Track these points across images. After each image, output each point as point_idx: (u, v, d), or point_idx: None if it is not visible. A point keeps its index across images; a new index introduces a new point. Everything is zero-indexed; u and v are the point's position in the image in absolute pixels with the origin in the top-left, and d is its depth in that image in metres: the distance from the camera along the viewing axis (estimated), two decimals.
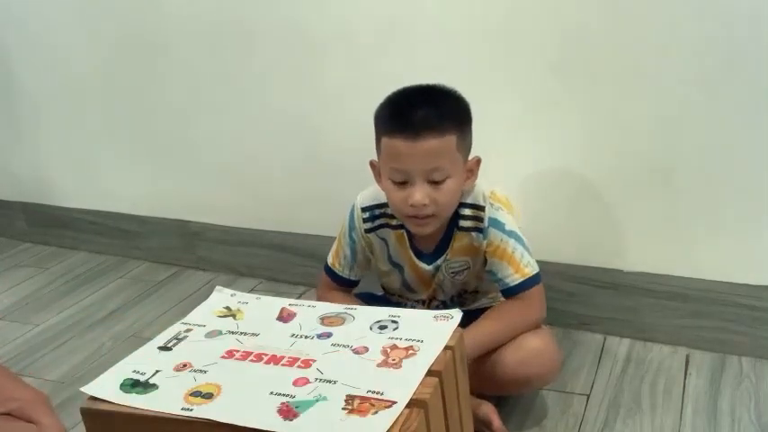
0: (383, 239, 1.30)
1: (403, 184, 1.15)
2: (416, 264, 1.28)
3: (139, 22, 1.77)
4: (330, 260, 1.35)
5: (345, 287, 1.35)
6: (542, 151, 1.43)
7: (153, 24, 1.75)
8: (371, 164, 1.24)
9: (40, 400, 0.70)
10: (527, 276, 1.21)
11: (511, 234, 1.21)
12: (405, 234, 1.27)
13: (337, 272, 1.34)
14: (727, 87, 1.25)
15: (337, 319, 0.98)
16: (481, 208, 1.22)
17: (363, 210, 1.28)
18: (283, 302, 1.05)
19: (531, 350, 1.18)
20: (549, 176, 1.44)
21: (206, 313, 1.03)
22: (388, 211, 1.26)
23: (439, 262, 1.27)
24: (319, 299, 1.35)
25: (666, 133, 1.32)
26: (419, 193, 1.13)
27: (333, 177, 1.64)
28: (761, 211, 1.30)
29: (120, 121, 1.91)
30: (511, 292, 1.22)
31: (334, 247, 1.35)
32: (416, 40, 1.45)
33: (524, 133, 1.43)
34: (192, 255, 1.94)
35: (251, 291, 1.78)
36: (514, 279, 1.21)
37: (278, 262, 1.81)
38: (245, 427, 0.77)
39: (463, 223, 1.23)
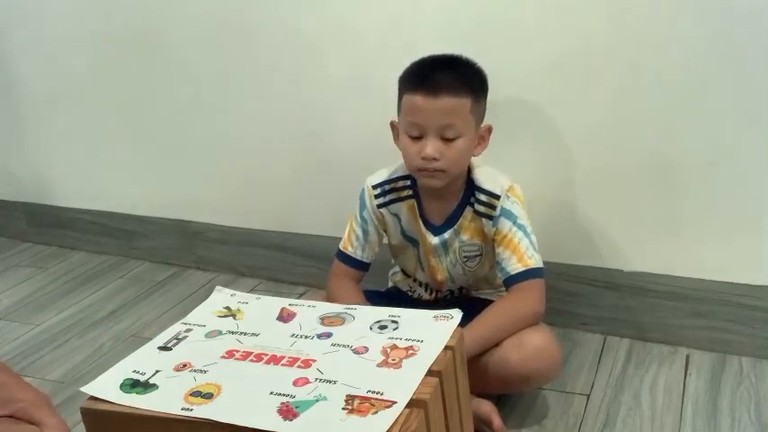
0: (395, 215, 1.33)
1: (417, 138, 1.21)
2: (425, 235, 1.30)
3: (140, 23, 1.77)
4: (342, 245, 1.37)
5: (357, 271, 1.37)
6: (542, 151, 1.43)
7: (153, 25, 1.75)
8: (391, 124, 1.29)
9: (43, 401, 0.70)
10: (529, 267, 1.23)
11: (520, 227, 1.24)
12: (415, 204, 1.31)
13: (350, 254, 1.36)
14: (727, 87, 1.25)
15: (337, 319, 0.98)
16: (496, 197, 1.25)
17: (374, 187, 1.33)
18: (283, 302, 1.05)
19: (532, 347, 1.18)
20: (548, 176, 1.44)
21: (206, 313, 1.03)
22: (398, 185, 1.32)
23: (446, 236, 1.29)
24: (330, 289, 1.37)
25: (667, 133, 1.32)
26: (431, 147, 1.19)
27: (333, 177, 1.64)
28: (761, 211, 1.30)
29: (121, 122, 1.91)
30: (511, 281, 1.23)
31: (346, 232, 1.37)
32: (416, 39, 1.45)
33: (524, 133, 1.43)
34: (192, 255, 1.94)
35: (251, 291, 1.78)
36: (516, 268, 1.23)
37: (278, 262, 1.81)
38: (245, 427, 0.77)
39: (478, 207, 1.27)
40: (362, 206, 1.35)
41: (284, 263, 1.80)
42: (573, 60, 1.34)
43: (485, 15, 1.39)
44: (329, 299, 1.33)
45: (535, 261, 1.23)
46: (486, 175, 1.28)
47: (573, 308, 1.49)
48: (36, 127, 2.07)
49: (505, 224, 1.24)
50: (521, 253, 1.23)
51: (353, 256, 1.36)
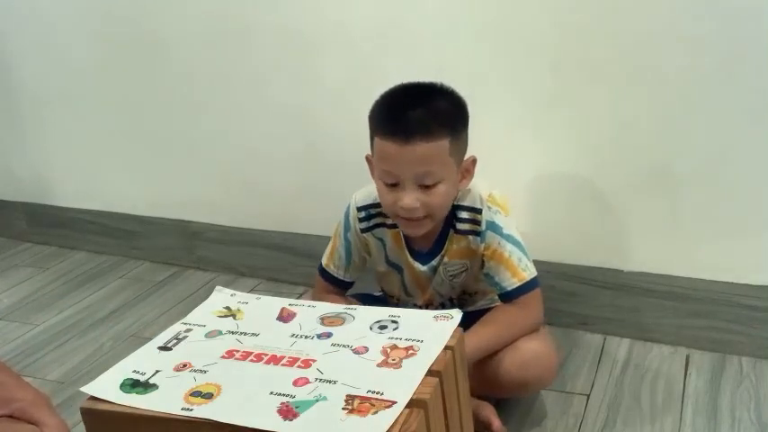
0: (380, 239, 1.29)
1: (394, 186, 1.14)
2: (412, 264, 1.27)
3: (139, 22, 1.77)
4: (324, 261, 1.34)
5: (339, 289, 1.34)
6: (542, 151, 1.43)
7: (153, 24, 1.75)
8: (367, 158, 1.23)
9: (43, 401, 0.70)
10: (524, 281, 1.19)
11: (508, 238, 1.20)
12: (401, 233, 1.26)
13: (332, 272, 1.33)
14: (727, 87, 1.25)
15: (337, 319, 0.98)
16: (478, 211, 1.20)
17: (359, 209, 1.27)
18: (283, 302, 1.05)
19: (529, 354, 1.17)
20: (548, 176, 1.44)
21: (206, 313, 1.03)
22: (384, 209, 1.25)
23: (434, 263, 1.26)
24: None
25: (666, 133, 1.32)
26: (408, 198, 1.12)
27: (333, 177, 1.64)
28: (761, 211, 1.30)
29: (121, 122, 1.91)
30: (508, 297, 1.20)
31: (329, 247, 1.34)
32: (416, 40, 1.45)
33: (524, 133, 1.43)
34: (192, 255, 1.94)
35: (251, 291, 1.78)
36: (512, 284, 1.19)
37: (278, 262, 1.81)
38: (244, 427, 0.77)
39: (460, 226, 1.22)
40: (347, 227, 1.29)
41: (284, 263, 1.80)
42: (573, 60, 1.34)
43: (484, 16, 1.38)
44: None
45: (529, 272, 1.19)
46: (463, 191, 1.21)
47: (573, 308, 1.49)
48: (36, 127, 2.07)
49: (493, 238, 1.19)
50: (514, 267, 1.19)
51: (335, 275, 1.32)
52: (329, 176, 1.65)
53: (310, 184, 1.69)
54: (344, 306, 1.03)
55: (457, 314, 0.96)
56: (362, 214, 1.27)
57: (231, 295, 1.09)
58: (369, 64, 1.51)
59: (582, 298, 1.48)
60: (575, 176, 1.42)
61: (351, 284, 1.35)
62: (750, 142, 1.27)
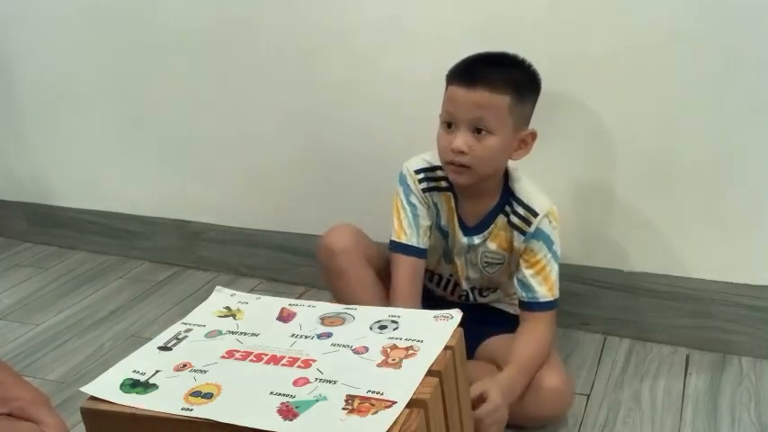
0: (435, 205, 1.31)
1: (450, 128, 1.20)
2: (456, 232, 1.29)
3: (139, 22, 1.77)
4: (395, 236, 1.30)
5: (419, 258, 1.30)
6: (542, 152, 1.42)
7: (153, 24, 1.75)
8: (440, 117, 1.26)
9: (42, 400, 0.70)
10: (555, 298, 1.25)
11: (554, 254, 1.25)
12: (452, 198, 1.29)
13: (406, 243, 1.29)
14: (727, 87, 1.25)
15: (337, 319, 0.98)
16: (534, 214, 1.23)
17: (417, 172, 1.30)
18: (283, 302, 1.05)
19: (549, 391, 1.17)
20: (548, 177, 1.43)
21: (206, 313, 1.04)
22: (437, 174, 1.29)
23: (476, 241, 1.28)
24: (395, 290, 1.29)
25: (667, 133, 1.32)
26: (459, 139, 1.18)
27: (333, 178, 1.64)
28: (761, 211, 1.30)
29: (121, 121, 1.91)
30: (538, 308, 1.24)
31: (395, 222, 1.31)
32: (416, 40, 1.45)
33: None
34: (192, 255, 1.94)
35: (251, 291, 1.78)
36: (546, 297, 1.24)
37: (278, 262, 1.81)
38: (245, 427, 0.77)
39: (512, 218, 1.25)
40: (408, 191, 1.30)
41: (284, 263, 1.80)
42: (573, 60, 1.34)
43: (484, 16, 1.38)
44: (392, 293, 1.28)
45: (557, 292, 1.25)
46: (527, 190, 1.26)
47: (573, 308, 1.48)
48: (36, 127, 2.07)
49: (542, 248, 1.23)
50: (551, 282, 1.24)
51: (410, 243, 1.29)
52: (329, 177, 1.65)
53: (311, 184, 1.69)
54: (344, 306, 1.03)
55: (457, 314, 0.96)
56: (421, 176, 1.30)
57: (231, 295, 1.09)
58: (369, 64, 1.51)
59: (582, 298, 1.48)
60: (575, 177, 1.42)
61: (426, 255, 1.31)
62: (750, 142, 1.27)
